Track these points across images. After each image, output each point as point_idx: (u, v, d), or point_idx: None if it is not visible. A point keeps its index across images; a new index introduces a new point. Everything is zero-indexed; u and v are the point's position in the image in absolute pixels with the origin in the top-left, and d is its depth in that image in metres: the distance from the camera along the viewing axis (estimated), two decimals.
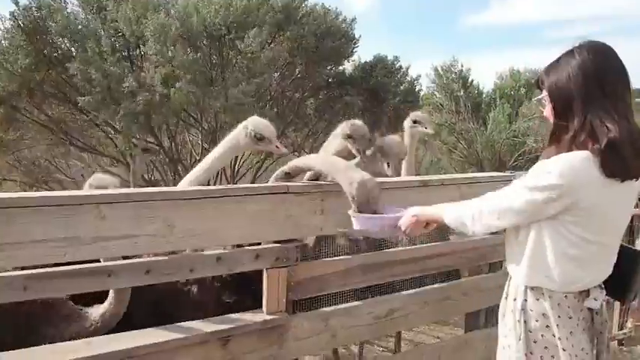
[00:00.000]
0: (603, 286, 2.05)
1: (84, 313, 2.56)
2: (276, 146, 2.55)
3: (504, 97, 10.65)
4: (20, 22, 5.75)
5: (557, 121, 2.01)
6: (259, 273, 2.62)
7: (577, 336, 1.98)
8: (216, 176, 6.44)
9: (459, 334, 4.34)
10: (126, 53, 5.95)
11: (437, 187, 3.22)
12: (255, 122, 2.52)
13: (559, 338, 1.97)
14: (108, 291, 2.50)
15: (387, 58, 8.29)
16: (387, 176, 3.30)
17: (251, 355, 2.56)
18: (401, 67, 8.37)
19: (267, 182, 2.86)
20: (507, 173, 4.02)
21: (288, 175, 2.78)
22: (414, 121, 3.98)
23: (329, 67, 7.66)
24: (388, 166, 3.36)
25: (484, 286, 3.53)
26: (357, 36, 7.63)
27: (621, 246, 2.11)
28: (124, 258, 2.32)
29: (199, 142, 7.12)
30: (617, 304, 5.14)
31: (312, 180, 2.77)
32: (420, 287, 3.33)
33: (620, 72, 1.94)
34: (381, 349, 4.84)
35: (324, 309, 2.90)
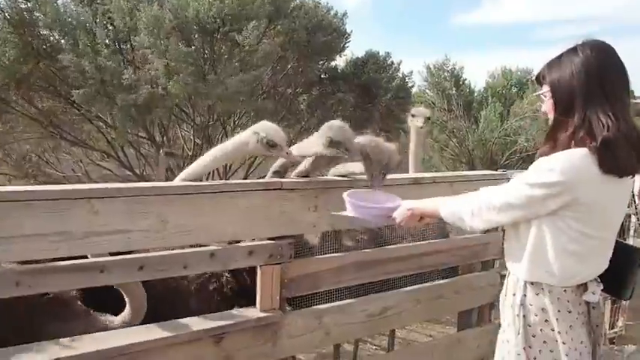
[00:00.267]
0: (600, 280, 2.08)
1: (104, 320, 2.55)
2: (287, 153, 2.52)
3: (496, 95, 10.68)
4: (6, 14, 5.68)
5: (558, 116, 2.02)
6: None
7: (576, 330, 2.02)
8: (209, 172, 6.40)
9: (452, 332, 4.34)
10: (118, 46, 5.89)
11: (429, 185, 3.22)
12: (266, 128, 2.45)
13: (558, 332, 2.00)
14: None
15: (379, 53, 8.28)
16: None
17: (245, 352, 2.55)
18: (392, 62, 8.36)
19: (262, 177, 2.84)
20: (499, 172, 4.04)
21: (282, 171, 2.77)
22: (412, 115, 4.02)
23: (321, 62, 7.62)
24: None
25: (477, 284, 3.55)
26: (348, 31, 7.61)
27: (617, 242, 2.13)
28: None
29: (191, 137, 7.08)
30: (608, 303, 5.18)
31: (304, 176, 2.75)
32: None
33: (620, 71, 1.97)
34: (374, 347, 4.84)
35: (318, 306, 2.89)
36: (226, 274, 3.01)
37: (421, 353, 3.58)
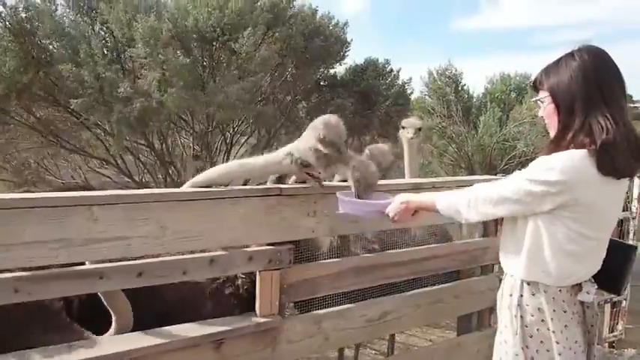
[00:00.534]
0: (594, 280, 2.10)
1: (86, 336, 2.53)
2: (319, 172, 2.55)
3: (495, 101, 10.68)
4: (7, 23, 5.69)
5: (560, 120, 2.04)
6: None
7: (571, 329, 2.04)
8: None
9: (452, 337, 4.34)
10: (117, 56, 5.91)
11: (428, 190, 3.22)
12: (299, 150, 2.47)
13: (553, 332, 2.02)
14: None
15: (378, 61, 8.31)
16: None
17: (244, 357, 2.55)
18: (392, 70, 8.39)
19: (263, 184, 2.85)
20: (498, 177, 4.04)
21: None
22: (402, 127, 3.99)
23: (320, 69, 7.65)
24: None
25: (476, 288, 3.55)
26: (348, 39, 7.64)
27: (611, 240, 2.15)
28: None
29: (190, 144, 7.09)
30: (607, 307, 5.19)
31: (300, 183, 2.76)
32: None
33: (617, 76, 2.00)
34: (374, 352, 4.83)
35: (317, 312, 2.90)
36: (241, 276, 3.01)
37: (421, 358, 3.59)
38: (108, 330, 2.48)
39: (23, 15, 5.75)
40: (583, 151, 1.91)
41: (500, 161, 10.16)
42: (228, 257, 2.50)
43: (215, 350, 2.45)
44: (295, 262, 2.72)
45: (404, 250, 3.31)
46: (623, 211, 5.07)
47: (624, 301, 5.19)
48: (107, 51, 5.78)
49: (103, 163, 7.11)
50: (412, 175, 3.97)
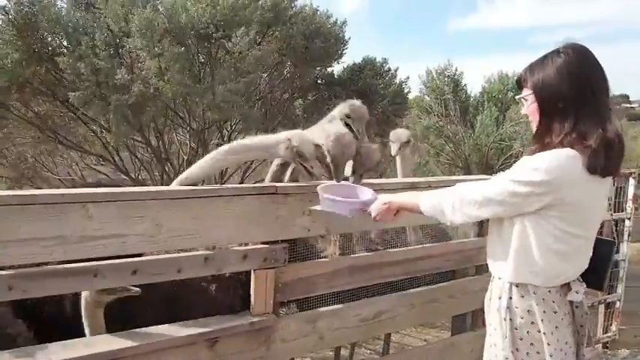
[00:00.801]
0: (582, 279, 2.09)
1: None
2: (311, 166, 2.54)
3: (492, 100, 10.68)
4: (11, 17, 5.69)
5: (543, 118, 2.03)
6: None
7: (562, 330, 2.03)
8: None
9: (446, 336, 4.34)
10: (114, 49, 5.91)
11: (424, 189, 3.22)
12: (299, 139, 2.48)
13: (544, 333, 2.00)
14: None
15: (376, 59, 8.30)
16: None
17: (238, 356, 2.55)
18: (389, 69, 8.38)
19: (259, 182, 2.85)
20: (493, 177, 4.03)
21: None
22: (391, 141, 3.85)
23: (318, 68, 7.64)
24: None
25: (470, 288, 3.55)
26: (346, 38, 7.63)
27: (596, 238, 2.14)
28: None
29: (187, 141, 7.08)
30: (601, 307, 5.21)
31: (294, 181, 2.76)
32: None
33: (601, 75, 2.00)
34: (369, 351, 4.84)
35: (311, 311, 2.90)
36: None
37: (415, 357, 3.59)
38: None
39: (27, 9, 5.76)
40: (570, 150, 1.90)
41: (496, 161, 10.18)
42: (222, 255, 2.50)
43: (209, 349, 2.45)
44: (290, 261, 2.72)
45: (398, 249, 3.31)
46: (619, 211, 5.09)
47: (618, 302, 5.21)
48: (105, 44, 5.78)
49: (100, 159, 7.11)
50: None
